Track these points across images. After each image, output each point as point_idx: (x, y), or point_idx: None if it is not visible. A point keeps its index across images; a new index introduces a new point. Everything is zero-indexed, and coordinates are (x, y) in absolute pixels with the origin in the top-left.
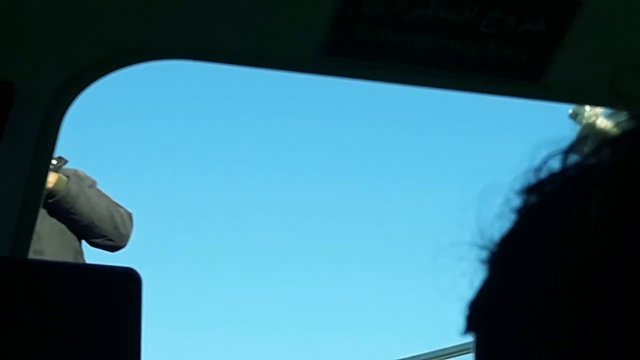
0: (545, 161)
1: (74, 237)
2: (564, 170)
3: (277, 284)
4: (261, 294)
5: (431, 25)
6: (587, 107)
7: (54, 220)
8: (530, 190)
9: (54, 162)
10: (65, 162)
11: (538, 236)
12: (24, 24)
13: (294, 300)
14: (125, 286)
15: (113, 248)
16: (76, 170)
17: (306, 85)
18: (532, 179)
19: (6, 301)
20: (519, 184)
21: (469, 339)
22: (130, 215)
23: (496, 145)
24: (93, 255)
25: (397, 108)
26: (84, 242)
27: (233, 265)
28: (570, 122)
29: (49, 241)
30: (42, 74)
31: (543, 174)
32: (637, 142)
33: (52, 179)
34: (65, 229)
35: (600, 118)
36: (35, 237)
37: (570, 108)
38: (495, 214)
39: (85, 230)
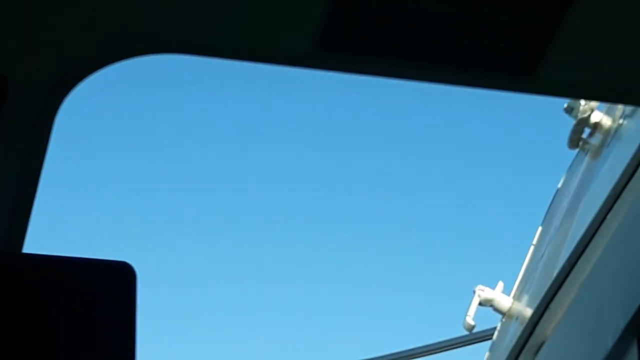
0: None
1: None
2: None
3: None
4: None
5: (425, 20)
6: (582, 101)
7: None
8: None
9: None
10: None
11: None
12: (17, 19)
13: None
14: (119, 280)
15: None
16: None
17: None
18: None
19: (0, 295)
20: None
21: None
22: None
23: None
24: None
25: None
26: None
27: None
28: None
29: None
30: (35, 67)
31: None
32: None
33: None
34: None
35: (596, 112)
36: None
37: (565, 102)
38: None
39: None
